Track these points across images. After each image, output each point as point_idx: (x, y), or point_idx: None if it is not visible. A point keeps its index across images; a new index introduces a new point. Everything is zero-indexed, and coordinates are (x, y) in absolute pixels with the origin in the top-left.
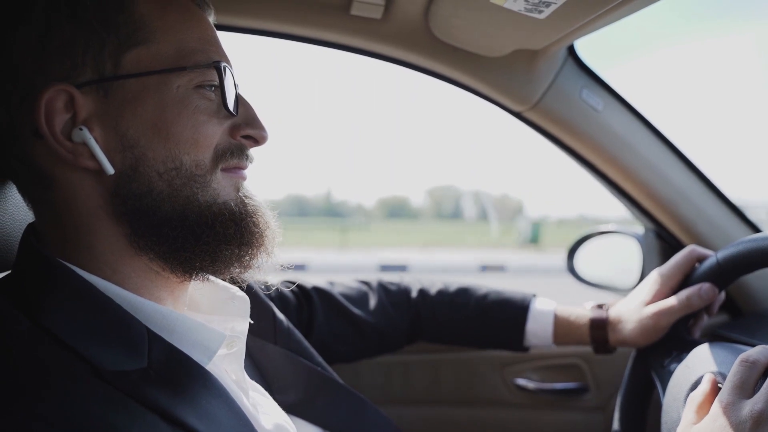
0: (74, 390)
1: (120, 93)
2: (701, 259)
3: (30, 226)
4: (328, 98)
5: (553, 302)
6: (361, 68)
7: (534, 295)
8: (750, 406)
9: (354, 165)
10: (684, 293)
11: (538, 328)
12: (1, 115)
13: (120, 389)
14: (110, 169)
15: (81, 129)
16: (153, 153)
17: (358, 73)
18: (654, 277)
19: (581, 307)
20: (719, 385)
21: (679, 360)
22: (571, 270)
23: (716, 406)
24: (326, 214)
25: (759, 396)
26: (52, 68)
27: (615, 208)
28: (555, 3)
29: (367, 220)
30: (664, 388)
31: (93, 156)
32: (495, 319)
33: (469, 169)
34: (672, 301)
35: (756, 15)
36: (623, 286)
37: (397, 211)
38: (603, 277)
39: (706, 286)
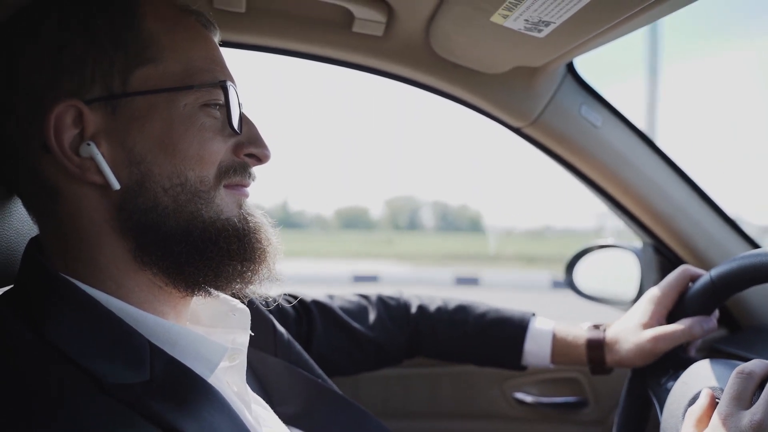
0: (79, 404)
1: (128, 110)
2: (694, 278)
3: (33, 239)
4: (286, 106)
5: (552, 322)
6: (320, 77)
7: (533, 314)
8: (749, 417)
9: (312, 175)
10: (687, 322)
11: (536, 348)
12: (10, 128)
13: (123, 402)
14: (116, 184)
15: (89, 144)
16: (159, 169)
17: (316, 83)
18: (649, 296)
19: (579, 327)
20: (716, 399)
21: (676, 377)
22: (570, 284)
23: (715, 418)
24: (283, 224)
25: (757, 406)
26: (61, 84)
27: (582, 220)
28: (554, 23)
29: (324, 231)
30: (661, 406)
31: (100, 171)
32: (493, 338)
33: (428, 179)
34: (673, 328)
35: (750, 33)
36: (621, 300)
37: (353, 221)
38: (601, 291)
39: (710, 322)
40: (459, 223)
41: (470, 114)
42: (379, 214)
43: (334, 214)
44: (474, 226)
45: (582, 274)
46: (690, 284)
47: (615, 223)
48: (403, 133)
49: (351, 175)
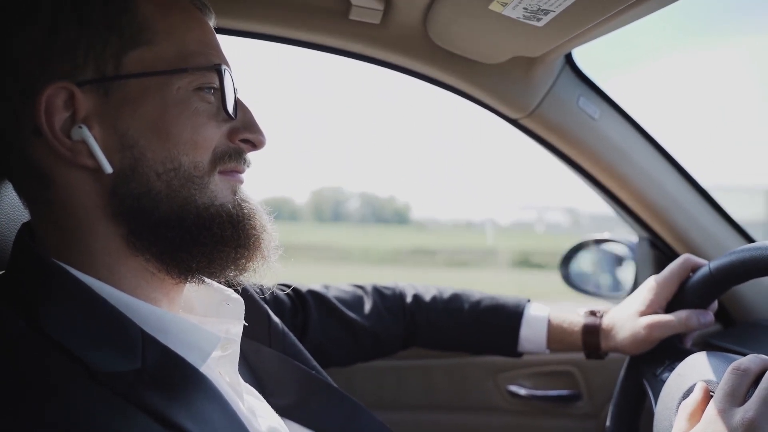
0: (70, 393)
1: (120, 93)
2: (695, 268)
3: (25, 225)
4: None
5: (547, 308)
6: (247, 62)
7: (528, 300)
8: (741, 414)
9: None
10: (683, 314)
11: (531, 334)
12: (2, 111)
13: (115, 391)
14: (108, 168)
15: (80, 127)
16: (152, 153)
17: (250, 70)
18: (649, 285)
19: (575, 313)
20: (711, 393)
21: (671, 369)
22: (565, 278)
23: (708, 414)
24: None
25: (750, 404)
26: (54, 67)
27: (511, 214)
28: (553, 11)
29: None
30: (656, 397)
31: (92, 155)
32: (489, 325)
33: (356, 170)
34: (670, 317)
35: (743, 30)
36: (616, 294)
37: (276, 212)
38: (596, 285)
39: (707, 315)
40: (385, 214)
41: (404, 106)
42: (303, 204)
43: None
44: (401, 218)
45: (577, 268)
46: (690, 274)
47: (551, 216)
48: (334, 124)
49: (276, 165)
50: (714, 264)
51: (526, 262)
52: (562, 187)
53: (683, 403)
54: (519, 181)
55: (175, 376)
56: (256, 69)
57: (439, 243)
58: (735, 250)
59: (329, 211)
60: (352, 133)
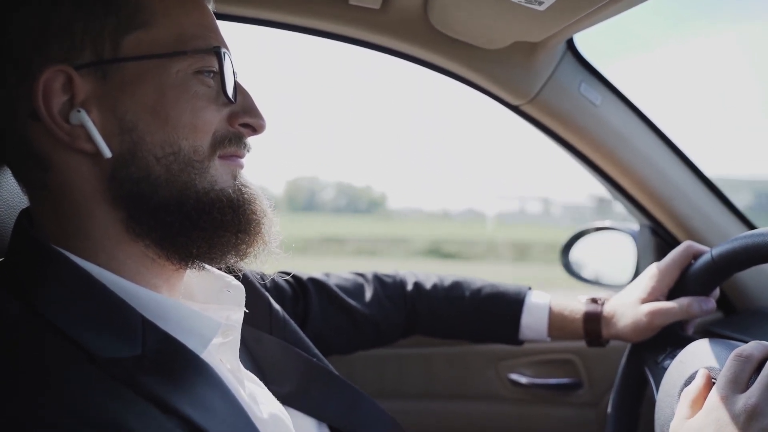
0: (69, 378)
1: (119, 76)
2: (697, 255)
3: (24, 211)
4: None
5: (548, 295)
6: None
7: (529, 288)
8: (744, 400)
9: None
10: (685, 301)
11: (532, 322)
12: (0, 96)
13: (115, 377)
14: (107, 152)
15: (79, 111)
16: (151, 137)
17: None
18: (650, 273)
19: (576, 301)
20: (713, 380)
21: (673, 356)
22: (566, 266)
23: (710, 401)
24: None
25: (753, 390)
26: (51, 49)
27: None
28: None
29: None
30: (657, 385)
31: (90, 139)
32: (490, 313)
33: (332, 160)
34: (671, 304)
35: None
36: (617, 282)
37: None
38: (597, 273)
39: (710, 302)
40: (360, 204)
41: (384, 96)
42: (279, 194)
43: None
44: (377, 207)
45: (578, 256)
46: (692, 261)
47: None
48: (311, 113)
49: (253, 154)
50: (716, 251)
51: (436, 251)
52: (539, 177)
53: (685, 390)
54: (499, 172)
55: (176, 363)
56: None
57: (348, 232)
58: (737, 236)
59: (304, 200)
60: (330, 122)
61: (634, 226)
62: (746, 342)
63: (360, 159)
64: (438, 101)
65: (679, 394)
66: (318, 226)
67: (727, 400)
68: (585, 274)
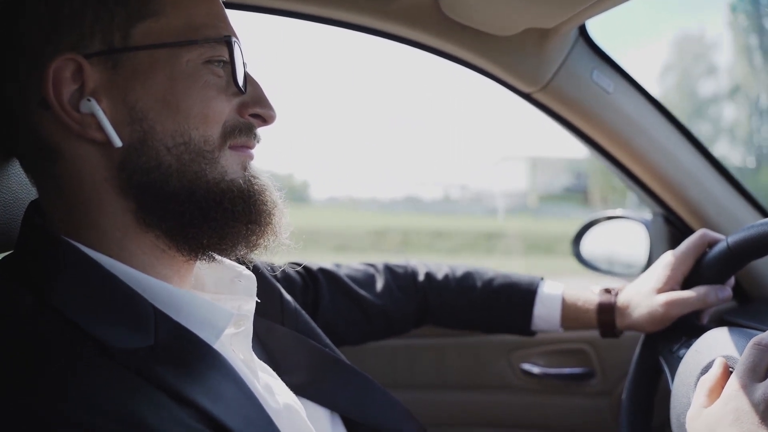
0: (84, 369)
1: (129, 65)
2: (712, 243)
3: (33, 203)
4: None
5: (561, 285)
6: None
7: (542, 278)
8: (763, 389)
9: None
10: (702, 290)
11: (545, 312)
12: (9, 86)
13: (128, 367)
14: (118, 142)
15: (89, 100)
16: (162, 127)
17: None
18: (665, 262)
19: (589, 291)
20: (730, 369)
21: (688, 346)
22: (577, 255)
23: (728, 389)
24: None
25: None
26: (60, 38)
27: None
28: None
29: None
30: (672, 374)
31: (100, 128)
32: (502, 304)
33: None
34: (688, 294)
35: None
36: (630, 271)
37: None
38: (609, 262)
39: (726, 291)
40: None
41: (311, 81)
42: None
43: None
44: (299, 196)
45: (590, 245)
46: (707, 250)
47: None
48: None
49: None
50: (731, 239)
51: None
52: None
53: (702, 378)
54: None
55: (189, 353)
56: None
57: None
58: (752, 224)
59: None
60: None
61: (647, 214)
62: (763, 330)
63: (283, 146)
64: (367, 87)
65: (696, 384)
66: None
67: (746, 388)
68: (597, 263)
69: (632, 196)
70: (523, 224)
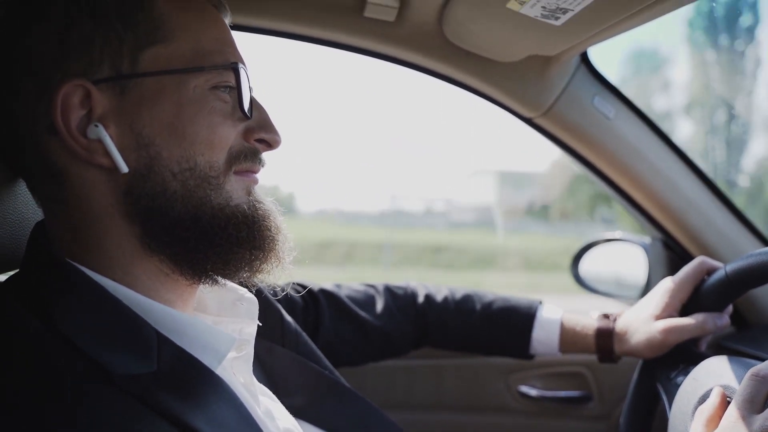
0: (87, 396)
1: (137, 91)
2: (711, 271)
3: (39, 224)
4: None
5: (560, 310)
6: None
7: (540, 302)
8: (761, 421)
9: None
10: (700, 317)
11: (544, 336)
12: (17, 110)
13: (131, 393)
14: (124, 167)
15: (96, 126)
16: (168, 153)
17: None
18: (663, 288)
19: (588, 316)
20: (728, 399)
21: (686, 373)
22: (576, 276)
23: (726, 420)
24: None
25: None
26: (69, 64)
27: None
28: (572, 10)
29: None
30: (670, 401)
31: (107, 153)
32: (501, 327)
33: None
34: (686, 321)
35: None
36: (628, 294)
37: None
38: (607, 284)
39: (724, 318)
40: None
41: (298, 94)
42: None
43: None
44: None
45: (588, 267)
46: (705, 277)
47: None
48: None
49: None
50: (730, 267)
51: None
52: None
53: (700, 408)
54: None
55: (191, 379)
56: None
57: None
58: (751, 253)
59: None
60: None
61: (646, 238)
62: (761, 359)
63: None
64: (353, 102)
65: (694, 412)
66: None
67: (745, 420)
68: (595, 285)
69: (600, 212)
70: (478, 238)
